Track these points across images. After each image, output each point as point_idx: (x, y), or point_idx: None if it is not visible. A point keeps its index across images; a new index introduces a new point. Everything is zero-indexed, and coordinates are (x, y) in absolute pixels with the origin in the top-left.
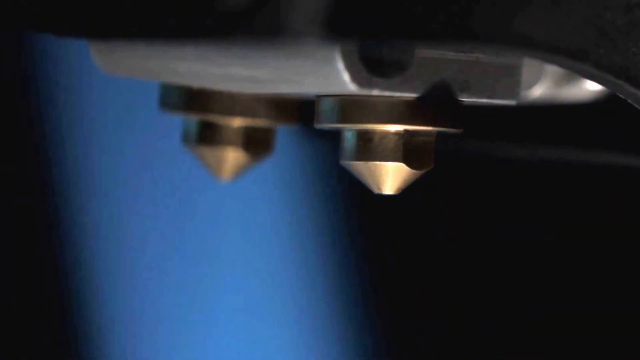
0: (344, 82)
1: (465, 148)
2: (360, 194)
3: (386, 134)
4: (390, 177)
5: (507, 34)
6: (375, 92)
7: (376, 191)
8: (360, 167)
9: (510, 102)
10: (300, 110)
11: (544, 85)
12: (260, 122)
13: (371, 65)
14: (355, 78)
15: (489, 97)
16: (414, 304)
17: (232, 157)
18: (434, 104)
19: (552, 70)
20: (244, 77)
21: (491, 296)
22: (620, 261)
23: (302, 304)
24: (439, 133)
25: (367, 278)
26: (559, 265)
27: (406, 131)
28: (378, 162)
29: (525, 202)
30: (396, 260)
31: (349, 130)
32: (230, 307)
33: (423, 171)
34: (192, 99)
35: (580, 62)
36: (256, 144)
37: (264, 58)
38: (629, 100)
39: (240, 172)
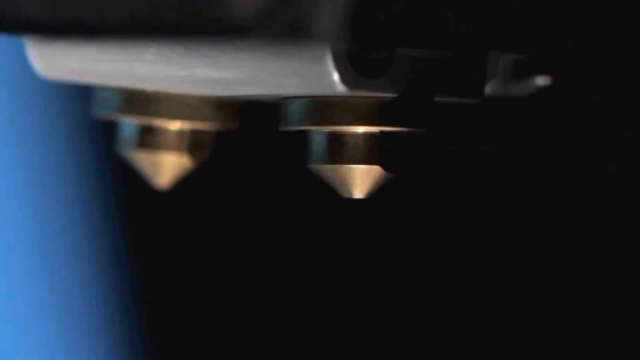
0: (333, 82)
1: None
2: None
3: (358, 135)
4: (363, 180)
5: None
6: (362, 92)
7: (346, 195)
8: (330, 171)
9: (475, 100)
10: (240, 114)
11: (496, 81)
12: (201, 126)
13: (358, 65)
14: (344, 79)
15: (458, 95)
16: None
17: (172, 161)
18: (406, 103)
19: (502, 65)
20: (211, 79)
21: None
22: (621, 260)
23: None
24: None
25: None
26: (560, 264)
27: (381, 132)
28: (350, 165)
29: (518, 203)
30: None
31: (318, 133)
32: None
33: (394, 173)
34: (131, 103)
35: None
36: (196, 148)
37: (242, 59)
38: None
39: (179, 177)
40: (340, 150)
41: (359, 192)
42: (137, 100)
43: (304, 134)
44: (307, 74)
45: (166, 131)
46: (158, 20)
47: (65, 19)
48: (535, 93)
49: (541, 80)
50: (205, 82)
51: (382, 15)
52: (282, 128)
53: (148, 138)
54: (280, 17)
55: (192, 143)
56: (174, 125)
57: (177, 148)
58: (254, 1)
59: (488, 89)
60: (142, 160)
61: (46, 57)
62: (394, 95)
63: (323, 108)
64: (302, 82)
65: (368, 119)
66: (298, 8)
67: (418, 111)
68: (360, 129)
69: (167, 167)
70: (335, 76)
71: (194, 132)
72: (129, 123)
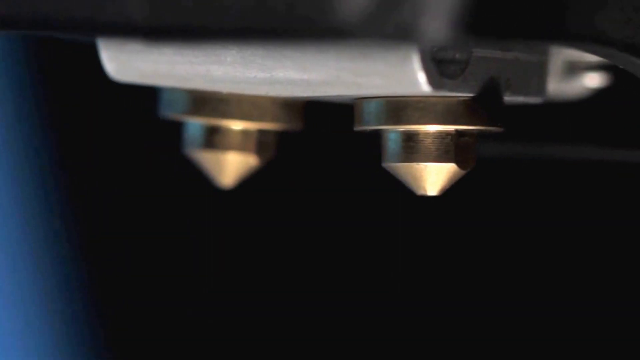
0: (419, 83)
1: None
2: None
3: (433, 134)
4: (437, 177)
5: (594, 32)
6: (444, 92)
7: (420, 192)
8: (405, 169)
9: (538, 100)
10: (305, 114)
11: (552, 82)
12: (266, 126)
13: (440, 65)
14: (429, 79)
15: (524, 95)
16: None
17: (237, 161)
18: (480, 103)
19: (555, 67)
20: (291, 80)
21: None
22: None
23: None
24: (480, 132)
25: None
26: (562, 263)
27: (456, 131)
28: (426, 163)
29: (521, 201)
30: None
31: (393, 132)
32: None
33: (467, 171)
34: (198, 104)
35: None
36: (261, 148)
37: (326, 61)
38: None
39: (244, 176)
40: (416, 149)
41: (433, 189)
42: (203, 102)
43: (367, 134)
44: (392, 74)
45: (232, 131)
46: (264, 24)
47: (176, 24)
48: (588, 95)
49: (593, 81)
50: (284, 83)
51: (490, 15)
52: (358, 128)
53: (214, 138)
54: (389, 19)
55: (258, 143)
56: (240, 125)
57: (242, 148)
58: (362, 4)
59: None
60: (208, 160)
61: (119, 61)
62: (470, 95)
63: (400, 108)
64: (385, 83)
65: (444, 118)
66: (406, 9)
67: (491, 110)
68: (436, 128)
69: (232, 166)
70: (422, 77)
71: (260, 132)
72: (196, 124)
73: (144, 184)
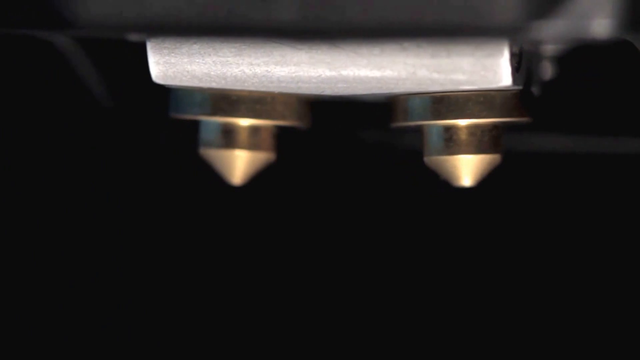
0: (504, 77)
1: None
2: None
3: (476, 126)
4: (480, 169)
5: None
6: (515, 86)
7: (459, 184)
8: (447, 162)
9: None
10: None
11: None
12: (278, 124)
13: (513, 60)
14: (512, 73)
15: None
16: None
17: (250, 159)
18: (525, 95)
19: None
20: (359, 78)
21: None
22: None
23: None
24: (516, 124)
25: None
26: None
27: (502, 123)
28: (468, 155)
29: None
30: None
31: (435, 126)
32: None
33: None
34: (213, 104)
35: None
36: (276, 145)
37: (405, 57)
38: None
39: (256, 174)
40: (459, 142)
41: (473, 180)
42: (218, 101)
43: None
44: (476, 70)
45: (245, 129)
46: (418, 23)
47: (326, 24)
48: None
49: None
50: (349, 82)
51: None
52: (400, 124)
53: (227, 137)
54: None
55: (272, 140)
56: (253, 123)
57: (255, 146)
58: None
59: None
60: (220, 158)
61: (168, 64)
62: (519, 87)
63: (444, 103)
64: (466, 78)
65: (499, 110)
66: (579, 8)
67: (530, 102)
68: (479, 121)
69: (245, 164)
70: (507, 71)
71: (273, 130)
72: (210, 123)
73: (144, 183)
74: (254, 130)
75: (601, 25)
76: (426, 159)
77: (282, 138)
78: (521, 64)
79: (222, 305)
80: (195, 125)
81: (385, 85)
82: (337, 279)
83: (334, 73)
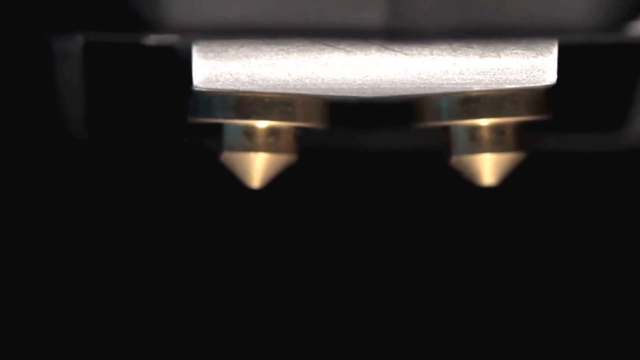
0: (550, 75)
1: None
2: None
3: (503, 125)
4: (503, 167)
5: None
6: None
7: (481, 183)
8: (474, 161)
9: None
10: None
11: None
12: (300, 125)
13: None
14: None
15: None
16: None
17: (270, 160)
18: (548, 93)
19: None
20: (408, 80)
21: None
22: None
23: None
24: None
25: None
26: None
27: (519, 122)
28: (493, 154)
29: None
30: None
31: (463, 126)
32: None
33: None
34: (234, 107)
35: None
36: (296, 146)
37: (467, 58)
38: None
39: (276, 175)
40: (488, 140)
41: (495, 179)
42: (243, 104)
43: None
44: (525, 69)
45: (268, 131)
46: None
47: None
48: None
49: None
50: (394, 83)
51: None
52: (428, 124)
53: (250, 139)
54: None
55: (292, 142)
56: (277, 125)
57: (278, 148)
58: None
59: None
60: (243, 160)
61: (212, 67)
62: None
63: (487, 101)
64: (513, 78)
65: (523, 109)
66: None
67: (549, 100)
68: (510, 119)
69: (267, 166)
70: (554, 69)
71: (294, 132)
72: (233, 126)
73: (156, 188)
74: (277, 132)
75: None
76: (454, 159)
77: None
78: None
79: (234, 305)
80: (210, 129)
81: (430, 85)
82: (354, 280)
83: (381, 74)
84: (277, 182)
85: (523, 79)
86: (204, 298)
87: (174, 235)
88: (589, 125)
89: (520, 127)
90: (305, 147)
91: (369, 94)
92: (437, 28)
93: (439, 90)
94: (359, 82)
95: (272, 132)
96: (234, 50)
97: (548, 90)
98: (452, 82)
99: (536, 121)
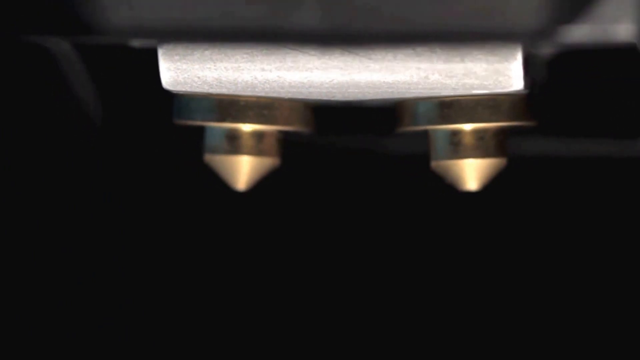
0: (517, 81)
1: None
2: None
3: (481, 131)
4: (485, 172)
5: None
6: (526, 89)
7: (464, 188)
8: (454, 166)
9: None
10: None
11: None
12: (292, 129)
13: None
14: (524, 76)
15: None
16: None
17: (255, 164)
18: (531, 99)
19: None
20: (371, 83)
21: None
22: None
23: None
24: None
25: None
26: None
27: (508, 127)
28: (475, 159)
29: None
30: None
31: (441, 131)
32: None
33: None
34: (218, 110)
35: None
36: (279, 150)
37: (419, 63)
38: None
39: (260, 179)
40: (467, 146)
41: (477, 184)
42: (224, 107)
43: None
44: (490, 74)
45: (250, 135)
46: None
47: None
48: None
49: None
50: (360, 87)
51: None
52: (407, 129)
53: (233, 142)
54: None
55: (276, 146)
56: (258, 128)
57: (260, 151)
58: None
59: None
60: (225, 163)
61: (180, 70)
62: (523, 91)
63: (451, 108)
64: (479, 83)
65: (497, 114)
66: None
67: (534, 105)
68: (487, 125)
69: (250, 169)
70: (520, 75)
71: (277, 135)
72: (215, 129)
73: (142, 189)
74: (259, 135)
75: (625, 30)
76: (433, 164)
77: (286, 143)
78: (528, 68)
79: (221, 307)
80: (197, 131)
81: (397, 89)
82: (338, 282)
83: (346, 78)
84: (265, 184)
85: (489, 84)
86: (197, 298)
87: (167, 235)
88: (608, 132)
89: (501, 133)
90: (294, 150)
91: (338, 97)
92: (373, 31)
93: (407, 95)
94: (326, 85)
95: (252, 135)
96: (199, 54)
97: (528, 97)
98: (419, 86)
99: (521, 127)
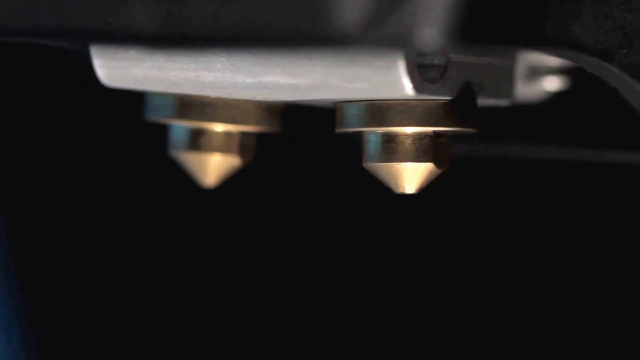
0: (404, 87)
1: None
2: None
3: (412, 135)
4: (416, 176)
5: (569, 38)
6: (425, 96)
7: (399, 191)
8: (385, 169)
9: (507, 103)
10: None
11: (517, 85)
12: (248, 128)
13: (421, 70)
14: (413, 84)
15: (495, 97)
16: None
17: (220, 162)
18: (457, 106)
19: (519, 71)
20: (279, 85)
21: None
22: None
23: None
24: (455, 134)
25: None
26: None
27: (434, 132)
28: (405, 163)
29: (532, 202)
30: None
31: (373, 134)
32: None
33: (443, 170)
34: (183, 108)
35: (608, 63)
36: (244, 149)
37: (313, 66)
38: (630, 101)
39: (226, 177)
40: (395, 149)
41: (411, 187)
42: (189, 106)
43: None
44: (377, 80)
45: (216, 133)
46: (266, 33)
47: (178, 32)
48: (548, 98)
49: (552, 84)
50: (271, 88)
51: (478, 22)
52: (339, 130)
53: (198, 140)
54: (386, 27)
55: (241, 145)
56: (224, 127)
57: (226, 149)
58: (360, 13)
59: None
60: (192, 161)
61: (112, 67)
62: (448, 97)
63: (382, 111)
64: (370, 88)
65: (423, 120)
66: (403, 18)
67: (466, 112)
68: (415, 129)
69: (215, 167)
70: (407, 82)
71: (242, 135)
72: (180, 126)
73: (128, 185)
74: (220, 134)
75: (427, 35)
76: (364, 165)
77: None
78: (446, 74)
79: (230, 303)
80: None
81: (305, 92)
82: (305, 280)
83: (254, 80)
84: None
85: (379, 89)
86: (193, 297)
87: (157, 234)
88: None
89: (426, 138)
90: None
91: (258, 98)
92: (207, 33)
93: (317, 98)
94: (239, 86)
95: (215, 133)
96: (125, 52)
97: (451, 103)
98: (322, 89)
99: (456, 134)
